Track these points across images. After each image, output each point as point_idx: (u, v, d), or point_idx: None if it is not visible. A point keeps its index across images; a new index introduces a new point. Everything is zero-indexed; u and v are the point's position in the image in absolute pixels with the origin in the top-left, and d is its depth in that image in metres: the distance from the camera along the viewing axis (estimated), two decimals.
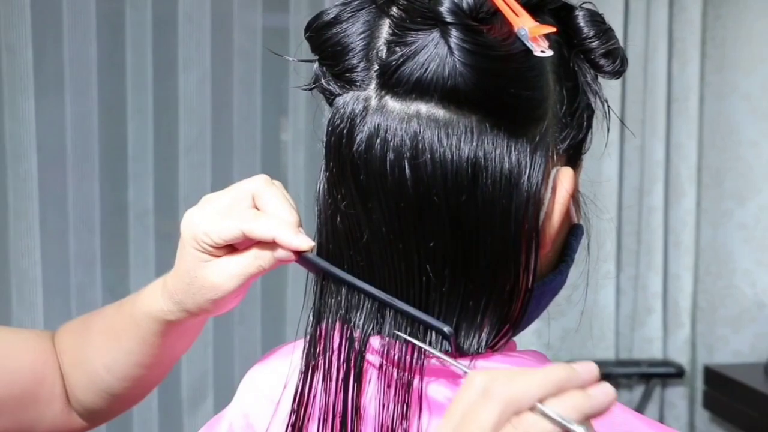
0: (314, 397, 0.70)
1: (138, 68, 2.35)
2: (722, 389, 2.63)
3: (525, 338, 0.73)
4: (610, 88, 0.72)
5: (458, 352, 0.67)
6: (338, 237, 0.69)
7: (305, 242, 0.70)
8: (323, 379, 0.70)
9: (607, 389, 0.59)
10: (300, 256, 0.71)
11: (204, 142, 2.42)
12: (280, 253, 0.72)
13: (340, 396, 0.69)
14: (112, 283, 2.41)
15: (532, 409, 0.56)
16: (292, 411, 0.71)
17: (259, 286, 2.52)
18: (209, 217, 0.75)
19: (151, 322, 0.83)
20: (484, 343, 0.67)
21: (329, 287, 0.71)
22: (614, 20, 2.58)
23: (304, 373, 0.71)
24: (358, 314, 0.69)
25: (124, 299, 0.89)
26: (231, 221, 0.73)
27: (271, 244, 0.72)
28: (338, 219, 0.69)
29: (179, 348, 0.88)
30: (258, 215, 0.72)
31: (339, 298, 0.70)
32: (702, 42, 2.71)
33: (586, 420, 0.57)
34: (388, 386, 0.67)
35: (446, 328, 0.65)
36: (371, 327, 0.69)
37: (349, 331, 0.70)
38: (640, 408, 2.66)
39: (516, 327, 0.69)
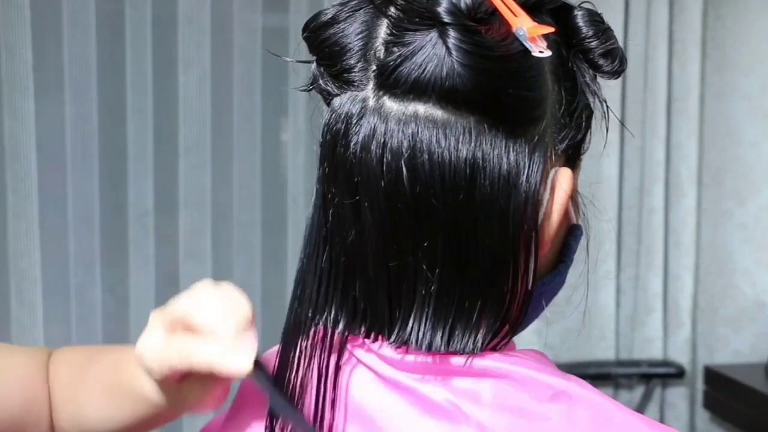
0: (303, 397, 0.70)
1: (138, 68, 2.35)
2: (722, 389, 2.63)
3: (525, 338, 0.73)
4: (609, 88, 0.72)
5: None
6: (332, 238, 0.69)
7: (244, 364, 0.68)
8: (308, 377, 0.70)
9: None
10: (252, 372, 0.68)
11: (204, 142, 2.42)
12: (222, 379, 0.71)
13: (321, 393, 0.69)
14: (112, 283, 2.41)
15: None
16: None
17: (259, 286, 2.52)
18: (151, 353, 0.72)
19: (147, 404, 0.80)
20: (480, 344, 0.67)
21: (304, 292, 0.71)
22: (614, 20, 2.58)
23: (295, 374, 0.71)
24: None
25: (123, 353, 0.85)
26: (169, 358, 0.70)
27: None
28: (333, 220, 0.69)
29: (172, 418, 0.85)
30: (192, 347, 0.69)
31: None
32: (702, 42, 2.71)
33: None
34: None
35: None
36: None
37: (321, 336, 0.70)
38: (640, 408, 2.66)
39: (514, 328, 0.69)
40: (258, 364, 0.69)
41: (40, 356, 0.90)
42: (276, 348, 0.79)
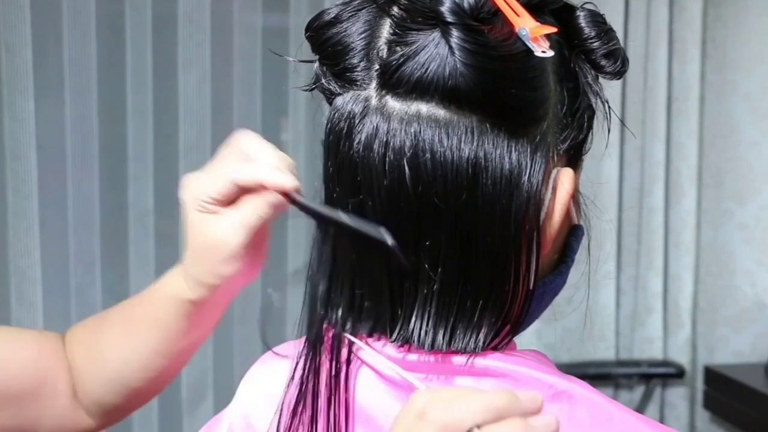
0: (307, 395, 0.70)
1: (138, 68, 2.35)
2: (723, 389, 2.63)
3: (525, 338, 0.73)
4: (610, 88, 0.73)
5: (400, 262, 0.65)
6: (336, 236, 0.69)
7: (289, 181, 0.71)
8: (314, 376, 0.70)
9: (549, 421, 0.57)
10: (289, 198, 0.72)
11: (204, 143, 2.42)
12: (270, 197, 0.73)
13: (327, 392, 0.69)
14: (112, 283, 2.41)
15: None
16: (291, 412, 0.71)
17: (259, 286, 2.52)
18: (203, 175, 0.77)
19: (171, 304, 0.84)
20: (481, 343, 0.67)
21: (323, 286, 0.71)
22: (614, 20, 2.58)
23: (303, 373, 0.71)
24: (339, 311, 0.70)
25: (142, 291, 0.89)
26: (221, 173, 0.75)
27: (262, 191, 0.73)
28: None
29: (198, 335, 0.87)
30: (245, 163, 0.74)
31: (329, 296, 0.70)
32: (702, 42, 2.71)
33: None
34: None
35: (388, 241, 0.64)
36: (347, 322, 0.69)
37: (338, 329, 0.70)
38: (640, 408, 2.66)
39: (516, 327, 0.69)
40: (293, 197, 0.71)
41: (53, 335, 0.92)
42: (279, 345, 0.80)
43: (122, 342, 0.88)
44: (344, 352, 0.71)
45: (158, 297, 0.85)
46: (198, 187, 0.77)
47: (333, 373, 0.69)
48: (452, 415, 0.56)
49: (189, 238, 0.79)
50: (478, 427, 0.55)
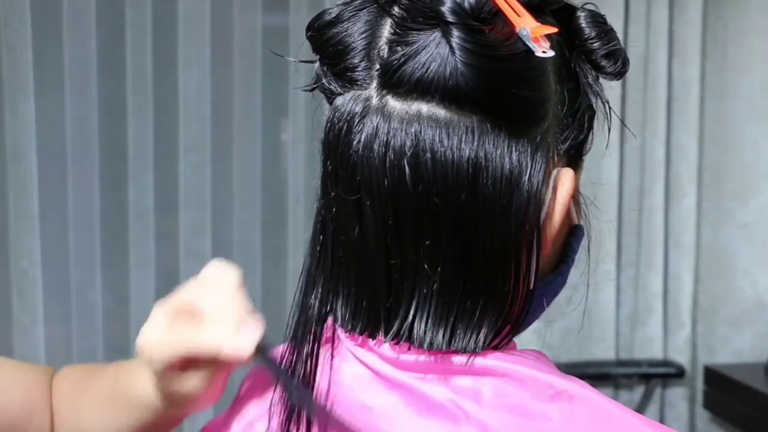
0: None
1: (138, 68, 2.35)
2: (722, 389, 2.63)
3: (525, 338, 0.73)
4: (610, 88, 0.73)
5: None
6: (335, 236, 0.69)
7: (247, 345, 0.68)
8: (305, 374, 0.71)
9: None
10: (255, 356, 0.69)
11: (204, 142, 2.42)
12: (229, 360, 0.70)
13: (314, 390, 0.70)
14: (112, 283, 2.41)
15: None
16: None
17: (259, 286, 2.52)
18: (153, 343, 0.72)
19: (143, 405, 0.80)
20: (481, 343, 0.67)
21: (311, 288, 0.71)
22: (615, 20, 2.57)
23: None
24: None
25: (123, 365, 0.86)
26: (173, 343, 0.70)
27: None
28: (336, 217, 0.69)
29: (177, 420, 0.85)
30: (195, 332, 0.69)
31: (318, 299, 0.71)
32: (702, 42, 2.71)
33: None
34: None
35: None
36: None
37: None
38: (640, 408, 2.66)
39: (516, 327, 0.69)
40: (261, 347, 0.69)
41: (43, 372, 0.90)
42: (281, 346, 0.80)
43: (102, 415, 0.85)
44: (340, 349, 0.71)
45: (132, 394, 0.81)
46: (153, 355, 0.71)
47: (314, 369, 0.70)
48: None
49: (153, 387, 0.76)
50: None
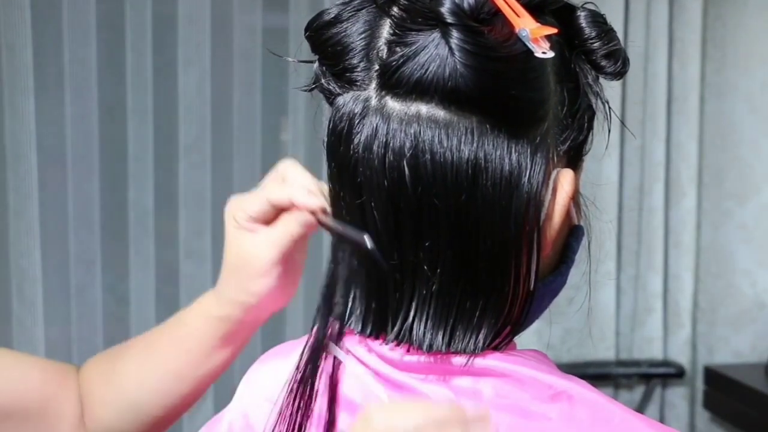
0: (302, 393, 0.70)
1: (138, 68, 2.35)
2: (722, 389, 2.63)
3: (525, 338, 0.73)
4: (610, 88, 0.73)
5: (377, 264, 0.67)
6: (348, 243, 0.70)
7: (316, 202, 0.75)
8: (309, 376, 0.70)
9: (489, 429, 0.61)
10: (316, 218, 0.75)
11: (204, 142, 2.42)
12: (300, 216, 0.77)
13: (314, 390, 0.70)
14: (112, 283, 2.41)
15: None
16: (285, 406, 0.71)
17: None
18: (244, 196, 0.81)
19: (198, 323, 0.86)
20: (481, 344, 0.67)
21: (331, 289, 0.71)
22: (614, 20, 2.57)
23: (299, 372, 0.71)
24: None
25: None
26: (259, 193, 0.80)
27: (294, 211, 0.77)
28: (341, 217, 0.69)
29: (220, 359, 0.88)
30: (280, 185, 0.79)
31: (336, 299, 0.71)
32: (702, 42, 2.71)
33: None
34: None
35: (366, 241, 0.66)
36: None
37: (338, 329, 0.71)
38: (640, 408, 2.66)
39: (516, 328, 0.69)
40: (324, 210, 0.75)
41: (64, 366, 0.93)
42: (280, 345, 0.80)
43: (140, 364, 0.88)
44: (338, 351, 0.71)
45: (185, 317, 0.88)
46: (237, 206, 0.81)
47: (317, 372, 0.70)
48: (392, 422, 0.59)
49: (225, 254, 0.83)
50: None
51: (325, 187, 0.76)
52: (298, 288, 0.86)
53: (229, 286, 0.83)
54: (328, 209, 0.74)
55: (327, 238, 0.73)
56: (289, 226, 0.78)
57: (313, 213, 0.76)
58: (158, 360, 0.88)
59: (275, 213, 0.79)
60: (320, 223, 0.76)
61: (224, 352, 0.87)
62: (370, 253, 0.66)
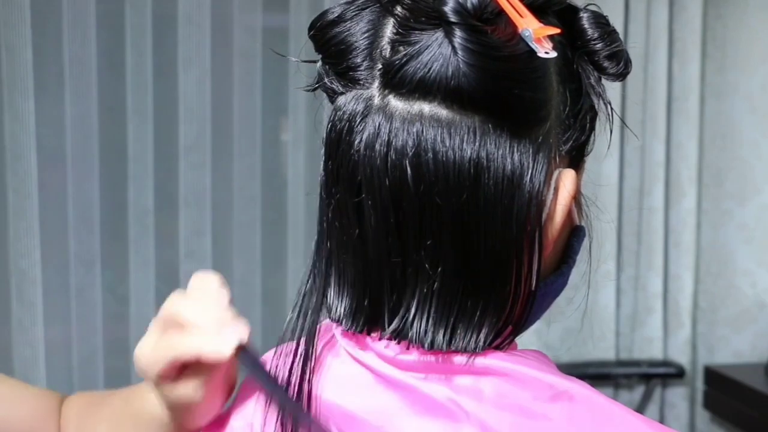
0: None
1: (138, 68, 2.35)
2: (722, 389, 2.63)
3: (525, 338, 0.73)
4: (610, 88, 0.73)
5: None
6: (336, 235, 0.69)
7: (226, 347, 0.69)
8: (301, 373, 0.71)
9: None
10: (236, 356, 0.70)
11: (204, 142, 2.42)
12: (210, 360, 0.71)
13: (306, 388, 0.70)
14: (112, 283, 2.41)
15: None
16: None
17: (259, 287, 2.52)
18: (145, 354, 0.74)
19: (157, 426, 0.82)
20: (482, 343, 0.67)
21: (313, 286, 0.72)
22: (615, 20, 2.57)
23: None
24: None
25: (133, 388, 0.87)
26: (160, 350, 0.72)
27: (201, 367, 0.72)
28: (336, 217, 0.69)
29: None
30: (180, 338, 0.71)
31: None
32: (702, 42, 2.71)
33: None
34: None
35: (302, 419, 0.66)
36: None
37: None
38: (640, 408, 2.66)
39: (517, 328, 0.69)
40: (243, 348, 0.70)
41: (51, 396, 0.92)
42: (271, 350, 0.80)
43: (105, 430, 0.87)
44: (336, 348, 0.72)
45: (141, 405, 0.83)
46: (146, 366, 0.74)
47: (305, 367, 0.70)
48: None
49: (161, 407, 0.78)
50: None
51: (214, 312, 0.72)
52: (297, 288, 0.85)
53: (168, 411, 0.78)
54: (245, 341, 0.70)
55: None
56: (209, 372, 0.73)
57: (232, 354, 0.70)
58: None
59: (182, 368, 0.73)
60: (243, 362, 0.71)
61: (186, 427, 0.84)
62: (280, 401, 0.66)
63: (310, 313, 0.71)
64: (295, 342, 0.72)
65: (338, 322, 0.70)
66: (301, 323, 0.72)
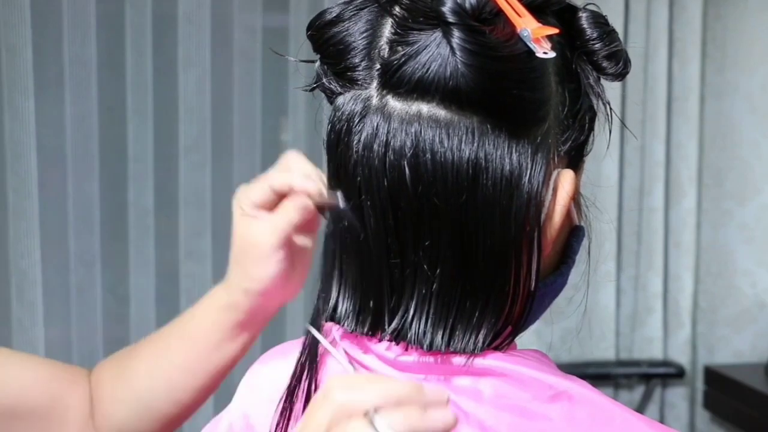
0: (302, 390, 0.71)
1: (138, 68, 2.35)
2: (722, 389, 2.63)
3: (525, 338, 0.73)
4: (610, 88, 0.73)
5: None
6: (338, 235, 0.70)
7: (313, 186, 0.77)
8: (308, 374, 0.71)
9: (447, 415, 0.59)
10: (314, 202, 0.77)
11: (204, 142, 2.42)
12: (298, 201, 0.78)
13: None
14: (112, 283, 2.41)
15: (366, 414, 0.57)
16: (282, 401, 0.71)
17: None
18: (249, 185, 0.83)
19: (206, 313, 0.87)
20: (480, 344, 0.67)
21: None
22: (615, 20, 2.58)
23: (296, 370, 0.71)
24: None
25: (165, 327, 0.93)
26: (261, 181, 0.82)
27: (293, 196, 0.79)
28: (338, 216, 0.69)
29: (229, 352, 0.88)
30: (281, 172, 0.82)
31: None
32: (702, 42, 2.71)
33: None
34: None
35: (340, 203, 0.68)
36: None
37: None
38: (640, 408, 2.66)
39: (517, 328, 0.69)
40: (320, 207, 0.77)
41: (73, 368, 0.95)
42: (280, 345, 0.80)
43: (150, 359, 0.90)
44: (338, 349, 0.72)
45: (195, 310, 0.89)
46: (243, 194, 0.82)
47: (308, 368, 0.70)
48: (352, 395, 0.58)
49: (232, 242, 0.84)
50: (376, 410, 0.56)
51: (322, 174, 0.78)
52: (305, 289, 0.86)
53: (234, 273, 0.84)
54: (326, 194, 0.75)
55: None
56: (288, 212, 0.80)
57: (310, 196, 0.77)
58: (168, 354, 0.89)
59: (278, 199, 0.81)
60: (317, 208, 0.77)
61: (233, 344, 0.88)
62: (346, 216, 0.68)
63: (317, 312, 0.72)
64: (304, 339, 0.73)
65: (340, 323, 0.70)
66: (314, 324, 0.72)
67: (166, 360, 0.89)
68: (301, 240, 0.83)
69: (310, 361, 0.72)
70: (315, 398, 0.60)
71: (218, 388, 0.93)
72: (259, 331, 0.89)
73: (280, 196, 0.81)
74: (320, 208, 0.77)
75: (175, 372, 0.89)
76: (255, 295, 0.83)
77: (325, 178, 0.75)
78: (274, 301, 0.85)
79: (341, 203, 0.67)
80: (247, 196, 0.82)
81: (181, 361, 0.88)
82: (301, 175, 0.79)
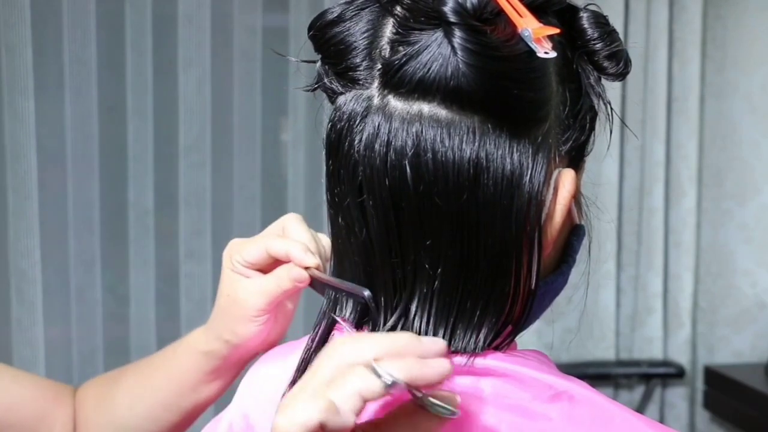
0: None
1: (138, 68, 2.35)
2: (722, 389, 2.63)
3: (525, 338, 0.73)
4: (610, 88, 0.73)
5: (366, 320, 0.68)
6: (340, 234, 0.70)
7: (311, 259, 0.77)
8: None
9: (443, 364, 0.59)
10: (311, 275, 0.77)
11: (204, 142, 2.42)
12: (293, 272, 0.78)
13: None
14: (112, 283, 2.41)
15: (367, 365, 0.58)
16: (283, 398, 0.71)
17: None
18: (244, 241, 0.84)
19: (186, 355, 0.88)
20: (481, 343, 0.67)
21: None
22: (615, 20, 2.57)
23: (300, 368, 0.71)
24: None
25: (152, 356, 0.95)
26: (258, 241, 0.82)
27: (289, 266, 0.79)
28: (340, 217, 0.69)
29: (207, 393, 0.91)
30: (279, 237, 0.82)
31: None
32: (702, 42, 2.71)
33: (415, 385, 0.58)
34: None
35: (365, 293, 0.67)
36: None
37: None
38: (640, 408, 2.66)
39: (517, 328, 0.69)
40: (318, 268, 0.78)
41: (60, 385, 0.97)
42: (280, 345, 0.80)
43: (132, 390, 0.92)
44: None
45: (177, 348, 0.90)
46: (236, 249, 0.83)
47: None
48: (354, 348, 0.59)
49: (218, 293, 0.85)
50: (377, 360, 0.58)
51: (326, 242, 0.81)
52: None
53: (217, 324, 0.85)
54: (323, 268, 0.77)
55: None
56: (281, 280, 0.80)
57: (307, 269, 0.78)
58: (149, 388, 0.91)
59: (271, 262, 0.81)
60: (312, 283, 0.77)
61: (210, 387, 0.90)
62: (369, 306, 0.67)
63: (323, 312, 0.72)
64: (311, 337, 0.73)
65: (346, 321, 0.70)
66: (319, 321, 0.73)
67: (147, 394, 0.91)
68: (288, 302, 0.85)
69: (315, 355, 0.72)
70: (320, 354, 0.61)
71: (189, 427, 0.95)
72: (234, 377, 0.91)
73: (275, 261, 0.81)
74: (314, 282, 0.77)
75: (154, 406, 0.91)
76: (234, 347, 0.85)
77: (327, 245, 0.78)
78: (252, 352, 0.87)
79: (367, 297, 0.67)
80: (241, 254, 0.82)
81: (160, 398, 0.91)
82: (300, 246, 0.79)
